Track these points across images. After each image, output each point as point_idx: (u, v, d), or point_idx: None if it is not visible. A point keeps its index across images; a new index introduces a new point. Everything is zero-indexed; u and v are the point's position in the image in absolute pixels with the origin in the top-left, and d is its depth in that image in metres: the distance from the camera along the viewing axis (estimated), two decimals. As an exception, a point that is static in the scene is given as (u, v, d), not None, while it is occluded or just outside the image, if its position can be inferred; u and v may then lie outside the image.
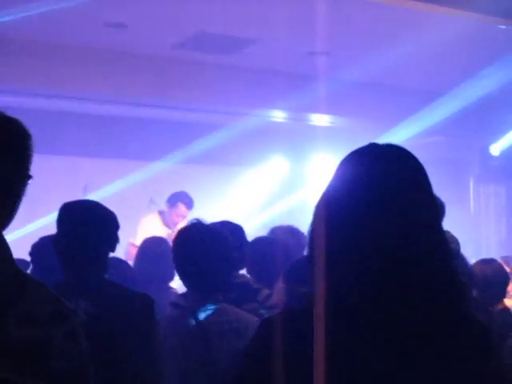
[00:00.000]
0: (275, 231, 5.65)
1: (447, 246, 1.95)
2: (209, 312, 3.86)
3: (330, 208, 1.93)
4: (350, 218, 1.88)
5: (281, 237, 5.47)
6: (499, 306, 5.16)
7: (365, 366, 1.78)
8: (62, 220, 3.68)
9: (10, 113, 2.21)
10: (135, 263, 5.67)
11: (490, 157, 12.04)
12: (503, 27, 9.02)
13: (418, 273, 1.83)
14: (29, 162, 2.19)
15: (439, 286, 1.85)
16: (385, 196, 1.90)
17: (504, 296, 5.30)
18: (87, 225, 3.65)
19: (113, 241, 3.76)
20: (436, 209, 1.98)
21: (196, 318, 3.85)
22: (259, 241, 5.21)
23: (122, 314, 3.51)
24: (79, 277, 3.56)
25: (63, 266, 3.65)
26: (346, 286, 1.83)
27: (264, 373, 1.82)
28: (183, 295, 4.04)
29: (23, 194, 2.18)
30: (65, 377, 2.00)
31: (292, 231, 5.65)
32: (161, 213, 8.96)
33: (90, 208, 3.82)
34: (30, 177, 2.18)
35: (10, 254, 2.10)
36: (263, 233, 5.52)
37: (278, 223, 6.02)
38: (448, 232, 4.65)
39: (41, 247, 4.47)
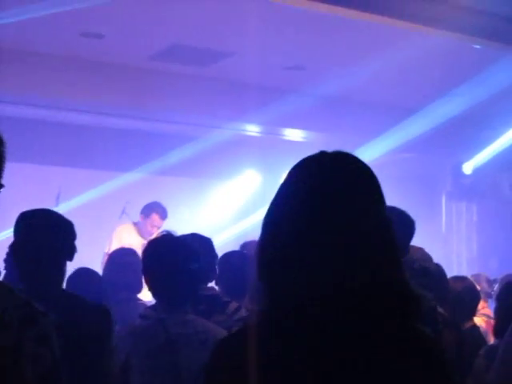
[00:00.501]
0: (247, 246, 5.65)
1: (397, 258, 1.91)
2: (177, 324, 3.86)
3: (276, 217, 1.91)
4: (294, 229, 1.85)
5: (252, 252, 5.46)
6: (469, 324, 5.17)
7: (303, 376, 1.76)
8: (18, 228, 3.64)
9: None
10: (104, 273, 5.63)
11: (463, 175, 12.11)
12: (477, 47, 9.08)
13: (364, 285, 1.79)
14: (1, 169, 2.19)
15: (383, 297, 1.82)
16: (328, 205, 1.86)
17: (474, 314, 5.31)
18: (43, 233, 3.62)
19: (70, 250, 3.72)
20: (384, 218, 1.93)
21: (165, 330, 3.85)
22: (230, 255, 5.23)
23: (79, 325, 3.48)
24: (37, 286, 3.51)
25: (21, 275, 3.61)
26: (289, 300, 1.81)
27: None
28: (152, 307, 4.04)
29: None
30: (38, 381, 2.02)
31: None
32: (135, 223, 8.93)
33: (46, 216, 3.77)
34: (1, 185, 2.19)
35: None
36: (235, 245, 5.52)
37: (249, 236, 6.01)
38: (422, 249, 4.68)
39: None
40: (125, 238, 7.72)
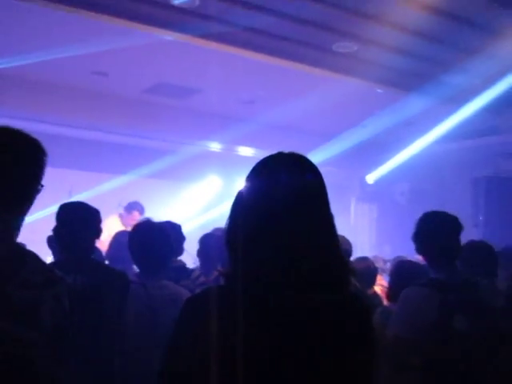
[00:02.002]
0: (217, 230, 5.64)
1: (337, 242, 1.85)
2: (155, 287, 3.86)
3: (242, 207, 1.84)
4: (259, 218, 1.79)
5: (219, 234, 5.48)
6: (371, 291, 5.23)
7: (263, 335, 1.71)
8: (60, 216, 3.67)
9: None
10: (109, 249, 5.52)
11: (366, 184, 12.21)
12: (380, 91, 9.14)
13: (314, 263, 1.75)
14: (42, 173, 2.19)
15: (330, 272, 1.78)
16: (288, 200, 1.79)
17: (374, 284, 5.37)
18: (79, 219, 3.69)
19: (98, 231, 3.78)
20: (329, 214, 1.86)
21: (146, 291, 3.84)
22: (206, 236, 5.20)
23: (108, 284, 3.58)
24: (75, 258, 3.55)
25: (62, 250, 3.66)
26: (257, 270, 1.76)
27: (189, 342, 1.77)
28: (137, 274, 4.02)
29: (35, 198, 2.18)
30: (51, 329, 2.00)
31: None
32: (120, 215, 8.84)
33: (81, 207, 3.80)
34: (42, 186, 2.19)
35: (12, 235, 2.10)
36: (201, 231, 5.47)
37: (211, 224, 6.00)
38: (343, 236, 4.68)
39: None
40: (111, 227, 7.62)
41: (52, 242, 4.56)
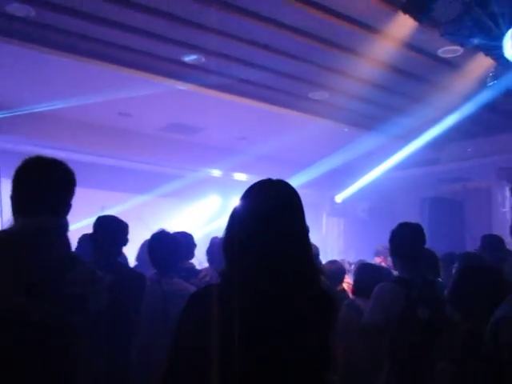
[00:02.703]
0: (215, 238, 5.55)
1: (310, 250, 1.88)
2: (168, 284, 3.84)
3: (238, 221, 1.86)
4: (250, 230, 1.81)
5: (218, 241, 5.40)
6: (340, 287, 5.19)
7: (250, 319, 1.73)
8: (96, 225, 3.69)
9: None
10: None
11: (335, 202, 12.21)
12: (346, 130, 9.19)
13: (290, 267, 1.77)
14: (74, 189, 2.27)
15: (304, 273, 1.82)
16: (274, 217, 1.82)
17: (342, 281, 5.33)
18: (112, 229, 3.70)
19: (125, 240, 3.78)
20: (305, 228, 1.89)
21: (161, 287, 3.82)
22: (213, 240, 5.03)
23: (130, 283, 3.58)
24: (105, 259, 3.54)
25: (95, 252, 3.63)
26: (248, 271, 1.78)
27: (191, 327, 1.79)
28: (154, 273, 3.99)
29: (71, 206, 2.26)
30: (94, 315, 2.11)
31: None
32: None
33: (113, 219, 3.81)
34: (70, 205, 2.26)
35: (68, 243, 2.19)
36: (204, 241, 5.40)
37: (212, 234, 5.95)
38: (315, 245, 4.69)
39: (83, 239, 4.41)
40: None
41: (82, 241, 4.53)
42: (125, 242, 3.77)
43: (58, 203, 2.18)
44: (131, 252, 5.37)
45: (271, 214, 1.83)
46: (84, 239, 3.88)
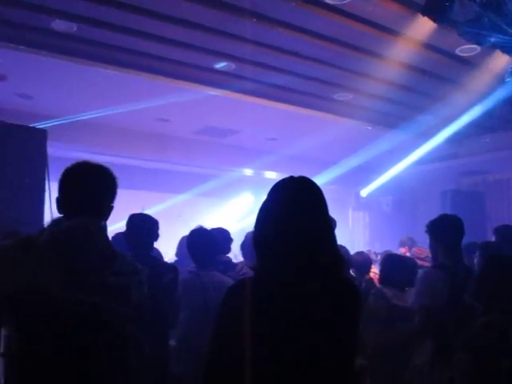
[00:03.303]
0: (249, 233, 5.50)
1: (334, 242, 1.86)
2: (207, 276, 3.84)
3: (264, 216, 1.85)
4: (276, 224, 1.80)
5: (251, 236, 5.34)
6: (366, 277, 5.13)
7: (279, 314, 1.72)
8: (129, 224, 3.71)
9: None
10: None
11: (360, 197, 12.12)
12: (369, 128, 9.10)
13: (317, 258, 1.76)
14: (116, 191, 2.27)
15: (331, 264, 1.79)
16: (297, 211, 1.80)
17: (369, 272, 5.26)
18: (143, 227, 3.70)
19: (156, 235, 3.77)
20: (328, 221, 1.87)
21: (200, 280, 3.82)
22: (247, 236, 4.86)
23: (162, 274, 3.57)
24: (139, 254, 3.51)
25: (131, 248, 3.63)
26: (276, 264, 1.78)
27: (229, 317, 1.79)
28: (194, 267, 3.99)
29: (112, 209, 2.27)
30: (136, 304, 2.11)
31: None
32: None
33: (145, 217, 3.82)
34: (112, 207, 2.27)
35: (108, 239, 2.21)
36: (239, 235, 5.38)
37: (246, 230, 5.93)
38: (343, 246, 4.68)
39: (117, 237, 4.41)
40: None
41: (115, 239, 4.53)
42: (156, 237, 3.76)
43: (100, 205, 2.20)
44: (172, 248, 5.40)
45: (295, 209, 1.81)
46: (117, 237, 3.88)
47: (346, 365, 1.76)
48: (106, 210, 2.23)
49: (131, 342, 2.06)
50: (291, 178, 1.90)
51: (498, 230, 4.87)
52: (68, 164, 2.22)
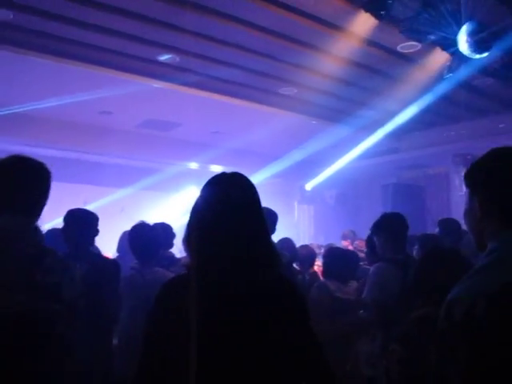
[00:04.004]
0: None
1: (268, 237, 1.86)
2: (149, 273, 3.77)
3: (195, 213, 1.83)
4: (206, 222, 1.79)
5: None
6: (310, 270, 5.15)
7: (217, 311, 1.70)
8: (67, 219, 3.59)
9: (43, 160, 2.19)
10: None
11: (305, 190, 12.23)
12: (314, 122, 9.18)
13: (249, 253, 1.75)
14: (49, 187, 2.20)
15: (262, 259, 1.78)
16: (228, 208, 1.79)
17: (313, 265, 5.29)
18: (82, 221, 3.59)
19: (96, 230, 3.67)
20: (261, 217, 1.85)
21: (142, 276, 3.75)
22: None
23: (105, 271, 3.50)
24: (78, 250, 3.45)
25: (68, 245, 3.52)
26: (208, 262, 1.76)
27: (159, 319, 1.79)
28: (135, 263, 3.90)
29: (44, 205, 2.19)
30: (69, 302, 2.06)
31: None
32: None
33: (84, 212, 3.72)
34: (44, 203, 2.20)
35: (35, 237, 2.13)
36: (182, 230, 5.30)
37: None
38: (289, 239, 4.70)
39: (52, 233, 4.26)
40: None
41: (50, 236, 4.41)
42: (96, 232, 3.67)
43: (27, 202, 2.12)
44: (114, 243, 5.29)
45: (226, 206, 1.79)
46: (53, 233, 3.76)
47: (290, 359, 1.75)
48: (35, 207, 2.14)
49: (60, 342, 2.01)
50: (223, 173, 1.89)
51: (441, 223, 5.00)
52: (2, 157, 2.14)
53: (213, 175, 1.90)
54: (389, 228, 3.77)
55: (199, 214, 1.82)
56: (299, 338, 1.77)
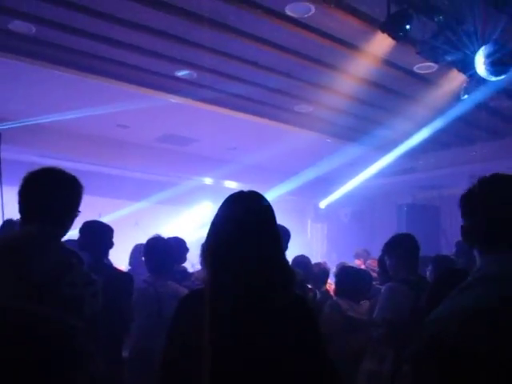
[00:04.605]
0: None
1: (283, 256, 1.89)
2: (162, 286, 3.79)
3: (213, 231, 1.88)
4: (225, 238, 1.83)
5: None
6: (322, 289, 5.13)
7: (233, 326, 1.72)
8: (83, 230, 3.63)
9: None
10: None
11: (319, 208, 12.20)
12: (329, 141, 9.19)
13: (264, 273, 1.77)
14: (81, 199, 2.24)
15: (277, 280, 1.80)
16: (245, 227, 1.83)
17: (325, 283, 5.27)
18: (98, 233, 3.65)
19: (111, 243, 3.72)
20: (276, 236, 1.88)
21: (155, 290, 3.77)
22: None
23: (120, 283, 3.52)
24: (95, 263, 3.45)
25: (86, 256, 3.52)
26: (225, 278, 1.78)
27: (180, 332, 1.81)
28: (148, 277, 3.93)
29: (75, 217, 2.24)
30: (90, 317, 2.03)
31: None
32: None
33: (99, 224, 3.77)
34: (79, 211, 2.25)
35: (65, 248, 2.14)
36: (198, 244, 5.30)
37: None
38: (305, 257, 4.75)
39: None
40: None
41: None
42: (111, 244, 3.71)
43: (59, 213, 2.15)
44: (127, 255, 5.32)
45: (242, 224, 1.83)
46: (68, 244, 3.80)
47: (300, 373, 1.76)
48: (65, 218, 2.18)
49: (80, 355, 2.01)
50: (240, 192, 1.93)
51: (458, 244, 4.98)
52: (22, 168, 2.18)
53: (230, 193, 1.94)
54: (399, 248, 3.78)
55: (217, 232, 1.85)
56: (313, 364, 1.79)
